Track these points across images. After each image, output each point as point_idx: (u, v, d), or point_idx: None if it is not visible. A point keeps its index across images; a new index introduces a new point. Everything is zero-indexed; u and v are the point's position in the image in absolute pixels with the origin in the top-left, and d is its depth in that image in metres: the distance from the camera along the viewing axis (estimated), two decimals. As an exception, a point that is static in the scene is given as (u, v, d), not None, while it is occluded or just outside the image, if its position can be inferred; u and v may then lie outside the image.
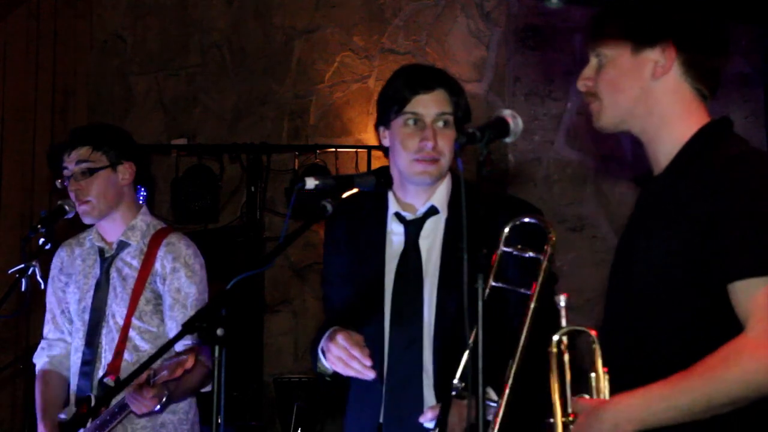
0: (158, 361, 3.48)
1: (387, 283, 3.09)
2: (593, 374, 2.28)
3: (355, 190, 2.95)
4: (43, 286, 3.88)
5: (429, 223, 3.11)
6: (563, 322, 2.29)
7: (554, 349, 2.28)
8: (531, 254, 2.55)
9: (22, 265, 3.82)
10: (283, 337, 6.54)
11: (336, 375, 3.01)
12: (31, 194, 7.19)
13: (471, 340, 2.18)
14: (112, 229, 3.83)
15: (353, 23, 6.35)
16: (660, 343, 2.30)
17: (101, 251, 3.85)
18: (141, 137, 6.94)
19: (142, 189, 5.89)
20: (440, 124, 3.08)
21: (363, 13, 6.31)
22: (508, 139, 2.33)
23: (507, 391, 2.39)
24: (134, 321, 3.73)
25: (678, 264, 2.26)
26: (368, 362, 2.88)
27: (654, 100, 2.41)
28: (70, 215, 3.80)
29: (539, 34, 5.47)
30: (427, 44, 5.99)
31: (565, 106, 5.45)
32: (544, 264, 2.52)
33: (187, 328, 2.58)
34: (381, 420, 3.03)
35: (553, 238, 2.55)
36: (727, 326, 2.20)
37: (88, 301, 3.81)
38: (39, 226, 3.79)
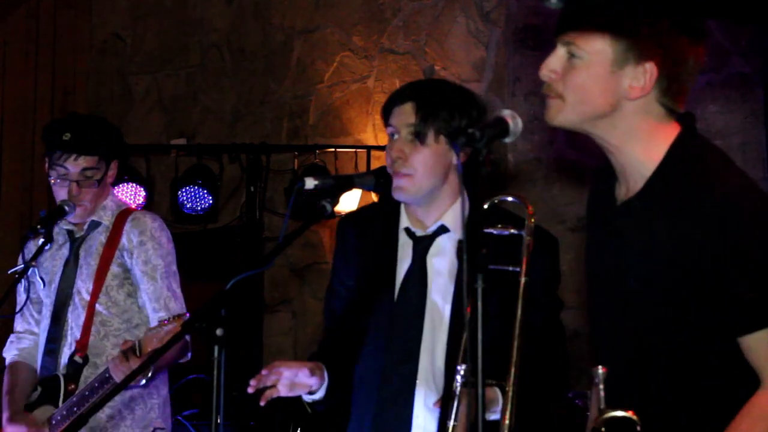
0: (143, 332, 3.52)
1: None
2: None
3: (372, 203, 2.93)
4: (42, 286, 3.88)
5: (439, 241, 3.07)
6: (602, 403, 2.10)
7: None
8: (513, 231, 2.59)
9: (22, 266, 3.82)
10: (282, 337, 6.54)
11: (321, 402, 3.03)
12: (30, 194, 7.18)
13: (467, 321, 2.16)
14: (84, 213, 3.85)
15: (353, 23, 6.35)
16: (663, 356, 2.27)
17: (70, 233, 3.88)
18: (140, 137, 6.95)
19: (143, 188, 5.95)
20: (408, 137, 3.01)
21: (362, 13, 6.31)
22: (507, 140, 2.31)
23: (511, 381, 2.35)
24: (101, 296, 3.76)
25: (681, 288, 2.23)
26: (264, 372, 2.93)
27: (621, 117, 2.27)
28: (70, 216, 3.80)
29: (539, 34, 5.47)
30: (426, 44, 5.99)
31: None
32: (527, 240, 2.54)
33: (187, 328, 2.58)
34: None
35: (532, 211, 2.57)
36: (729, 346, 2.23)
37: (57, 281, 3.84)
38: (38, 226, 3.79)
